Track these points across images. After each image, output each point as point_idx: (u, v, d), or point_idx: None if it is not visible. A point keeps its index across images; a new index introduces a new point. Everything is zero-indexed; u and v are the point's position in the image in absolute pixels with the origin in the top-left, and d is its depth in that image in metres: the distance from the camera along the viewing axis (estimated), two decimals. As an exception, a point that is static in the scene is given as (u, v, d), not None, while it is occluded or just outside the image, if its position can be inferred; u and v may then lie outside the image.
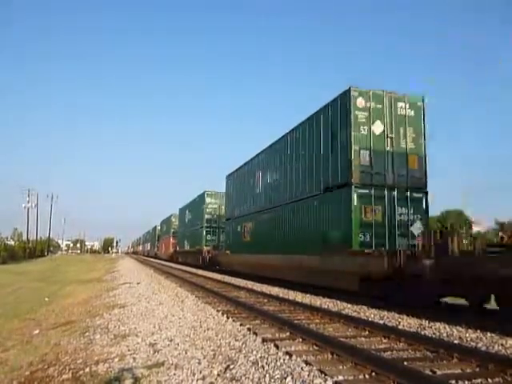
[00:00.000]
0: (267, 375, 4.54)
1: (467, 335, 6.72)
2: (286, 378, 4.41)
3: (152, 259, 54.30)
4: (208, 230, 29.77)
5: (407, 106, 12.15)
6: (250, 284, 16.42)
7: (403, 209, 11.76)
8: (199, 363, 5.06)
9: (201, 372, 4.71)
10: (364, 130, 11.67)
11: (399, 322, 7.94)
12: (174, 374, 4.67)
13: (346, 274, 10.87)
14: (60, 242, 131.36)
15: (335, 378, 4.39)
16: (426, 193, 12.05)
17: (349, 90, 11.83)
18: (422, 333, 6.92)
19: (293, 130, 15.50)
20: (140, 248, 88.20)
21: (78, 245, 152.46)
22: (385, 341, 6.31)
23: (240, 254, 20.44)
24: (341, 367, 4.84)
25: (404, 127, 12.03)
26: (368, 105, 11.79)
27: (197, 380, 4.47)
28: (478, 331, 6.93)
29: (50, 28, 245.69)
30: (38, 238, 72.20)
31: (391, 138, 11.84)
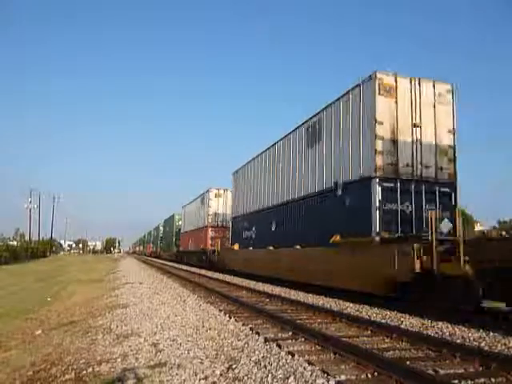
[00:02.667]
0: (270, 375, 4.54)
1: (470, 335, 6.71)
2: (288, 378, 4.41)
3: (151, 258, 64.40)
4: (160, 241, 59.89)
5: None
6: (252, 284, 16.45)
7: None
8: (202, 363, 5.06)
9: (203, 372, 4.71)
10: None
11: (401, 322, 7.93)
12: (177, 374, 4.67)
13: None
14: (62, 242, 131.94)
15: (338, 378, 4.39)
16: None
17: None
18: (425, 332, 6.90)
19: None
20: (137, 249, 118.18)
21: (81, 245, 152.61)
22: (387, 340, 6.32)
23: (165, 251, 51.69)
24: (343, 367, 4.85)
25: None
26: None
27: (199, 380, 4.47)
28: (481, 331, 6.93)
29: (51, 28, 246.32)
30: (41, 238, 72.20)
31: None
